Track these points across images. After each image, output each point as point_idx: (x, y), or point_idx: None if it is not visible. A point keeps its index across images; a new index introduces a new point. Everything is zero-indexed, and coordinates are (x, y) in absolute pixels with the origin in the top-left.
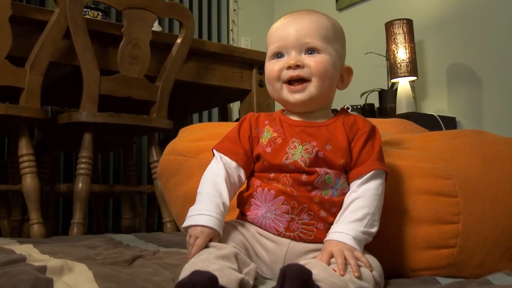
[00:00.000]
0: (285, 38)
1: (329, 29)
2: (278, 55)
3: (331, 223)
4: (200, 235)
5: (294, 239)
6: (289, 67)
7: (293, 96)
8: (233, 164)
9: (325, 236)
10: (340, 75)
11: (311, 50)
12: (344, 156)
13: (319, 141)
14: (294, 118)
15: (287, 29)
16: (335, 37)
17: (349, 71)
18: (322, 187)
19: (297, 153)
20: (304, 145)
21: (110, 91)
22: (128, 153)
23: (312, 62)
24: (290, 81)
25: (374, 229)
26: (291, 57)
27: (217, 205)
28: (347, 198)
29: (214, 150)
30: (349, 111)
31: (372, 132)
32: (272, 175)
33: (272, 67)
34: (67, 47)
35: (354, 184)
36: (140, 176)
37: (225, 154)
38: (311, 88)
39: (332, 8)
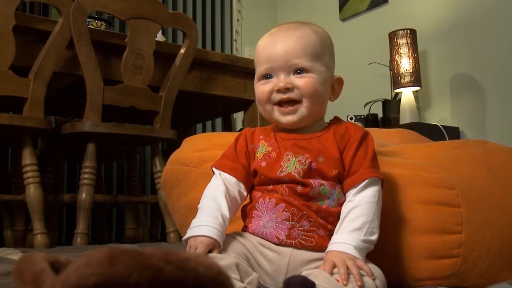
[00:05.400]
0: (273, 59)
1: (316, 44)
2: (267, 76)
3: (331, 230)
4: (199, 245)
5: (295, 246)
6: (278, 90)
7: (285, 118)
8: (233, 179)
9: (326, 243)
10: (331, 86)
11: (299, 70)
12: (337, 166)
13: (311, 153)
14: (287, 131)
15: (274, 49)
16: (323, 51)
17: (339, 81)
18: (318, 198)
19: (291, 165)
20: (297, 157)
21: (114, 101)
22: (131, 163)
23: (302, 83)
24: (281, 103)
25: (374, 237)
26: (280, 80)
27: (215, 216)
28: (345, 208)
29: (213, 168)
30: (352, 121)
31: (364, 138)
32: (270, 187)
33: (261, 89)
34: (70, 57)
35: (350, 194)
36: (144, 186)
37: (224, 171)
38: (302, 109)
39: (335, 18)
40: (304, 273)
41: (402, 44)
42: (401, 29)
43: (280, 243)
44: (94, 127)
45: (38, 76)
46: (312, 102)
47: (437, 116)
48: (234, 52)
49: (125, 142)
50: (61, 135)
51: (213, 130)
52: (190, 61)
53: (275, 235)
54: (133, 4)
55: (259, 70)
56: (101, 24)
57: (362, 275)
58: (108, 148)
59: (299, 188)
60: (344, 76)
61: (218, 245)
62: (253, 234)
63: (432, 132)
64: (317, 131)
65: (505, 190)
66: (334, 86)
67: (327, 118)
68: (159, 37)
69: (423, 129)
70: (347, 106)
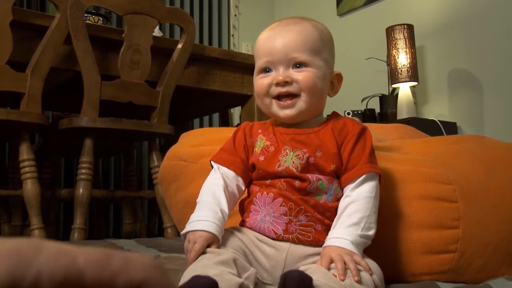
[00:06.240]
0: (272, 53)
1: (316, 39)
2: (266, 69)
3: (328, 225)
4: (198, 240)
5: (293, 241)
6: (277, 84)
7: (283, 111)
8: (231, 173)
9: (323, 238)
10: (330, 81)
11: (299, 64)
12: (334, 161)
13: (309, 148)
14: (286, 126)
15: (274, 43)
16: (323, 46)
17: (339, 77)
18: (315, 192)
19: (289, 159)
20: (295, 151)
21: (111, 96)
22: (129, 158)
23: (300, 76)
24: (279, 96)
25: (371, 232)
26: (279, 73)
27: (215, 211)
28: (342, 203)
29: (212, 162)
30: (349, 116)
31: (362, 134)
32: (268, 181)
33: (260, 82)
34: (67, 52)
35: (347, 189)
36: (141, 181)
37: (222, 165)
38: (301, 103)
39: (332, 13)
40: (301, 268)
41: (400, 39)
42: (398, 24)
43: (277, 238)
44: (92, 122)
45: (35, 71)
46: (311, 96)
47: (435, 112)
48: (232, 47)
49: (123, 137)
50: (58, 130)
51: (210, 125)
52: (188, 56)
53: (273, 230)
54: None
55: (259, 63)
56: (99, 19)
57: (359, 270)
58: (106, 144)
59: (297, 183)
60: (342, 71)
61: (217, 240)
62: (251, 228)
63: (430, 128)
64: (315, 126)
65: (503, 185)
66: (334, 82)
67: (325, 113)
68: (157, 32)
69: (420, 124)
70: (344, 101)
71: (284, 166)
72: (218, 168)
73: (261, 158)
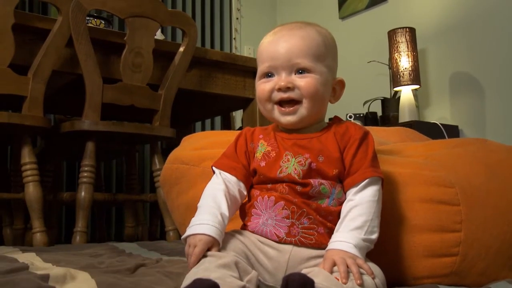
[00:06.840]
0: (275, 57)
1: (320, 45)
2: (269, 74)
3: (330, 228)
4: (198, 243)
5: (295, 244)
6: (279, 89)
7: (285, 118)
8: (233, 179)
9: (326, 241)
10: (332, 88)
11: (301, 70)
12: (337, 166)
13: (311, 153)
14: (288, 131)
15: (277, 48)
16: (326, 52)
17: (341, 83)
18: (318, 197)
19: (290, 166)
20: (297, 157)
21: (113, 100)
22: (131, 161)
23: (303, 83)
24: (281, 102)
25: (374, 236)
26: (281, 79)
27: (215, 215)
28: (345, 207)
29: (214, 167)
30: (351, 119)
31: (364, 138)
32: (269, 185)
33: (262, 87)
34: (69, 55)
35: (350, 193)
36: (143, 185)
37: (224, 170)
38: (302, 110)
39: (334, 16)
40: (303, 271)
41: (401, 42)
42: (400, 28)
43: (280, 241)
44: (93, 126)
45: (37, 75)
46: (313, 103)
47: (436, 115)
48: (234, 51)
49: (124, 140)
50: (60, 133)
51: (212, 128)
52: (189, 60)
53: (275, 233)
54: (132, 2)
55: (261, 68)
56: (100, 23)
57: (361, 274)
58: (108, 147)
59: (299, 188)
60: (344, 74)
61: (217, 244)
62: (253, 232)
63: (431, 131)
64: (317, 131)
65: (504, 188)
66: (336, 88)
67: (327, 117)
68: (158, 35)
69: (422, 128)
70: (346, 104)
71: (285, 172)
72: (220, 173)
73: (262, 163)
